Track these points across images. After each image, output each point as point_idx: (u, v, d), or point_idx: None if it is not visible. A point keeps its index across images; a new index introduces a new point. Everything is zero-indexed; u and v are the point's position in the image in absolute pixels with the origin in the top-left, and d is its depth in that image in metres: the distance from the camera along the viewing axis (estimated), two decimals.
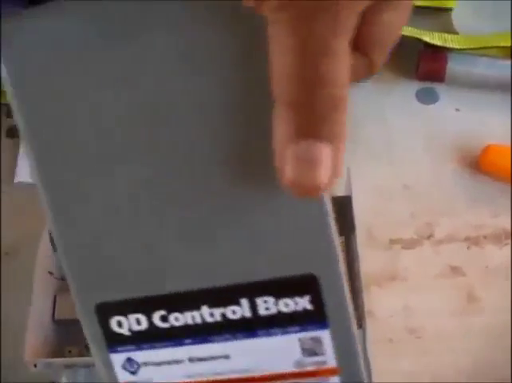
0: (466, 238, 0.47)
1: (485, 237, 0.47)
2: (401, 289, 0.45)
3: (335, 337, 0.23)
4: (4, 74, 0.22)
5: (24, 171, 0.51)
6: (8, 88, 0.22)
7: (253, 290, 0.23)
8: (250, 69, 0.21)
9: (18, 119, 0.22)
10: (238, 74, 0.21)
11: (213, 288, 0.23)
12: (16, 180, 0.51)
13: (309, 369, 0.24)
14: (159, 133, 0.22)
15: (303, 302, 0.23)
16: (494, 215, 0.47)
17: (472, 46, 0.52)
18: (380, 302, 0.44)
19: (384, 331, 0.44)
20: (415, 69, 0.53)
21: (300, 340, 0.24)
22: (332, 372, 0.24)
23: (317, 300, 0.23)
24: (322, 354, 0.24)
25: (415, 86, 0.53)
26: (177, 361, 0.25)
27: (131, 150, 0.22)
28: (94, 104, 0.22)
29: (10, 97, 0.22)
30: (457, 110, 0.52)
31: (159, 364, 0.25)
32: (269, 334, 0.24)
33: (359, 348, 0.24)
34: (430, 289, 0.45)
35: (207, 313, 0.24)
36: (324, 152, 0.18)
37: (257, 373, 0.25)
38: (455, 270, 0.46)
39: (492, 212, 0.47)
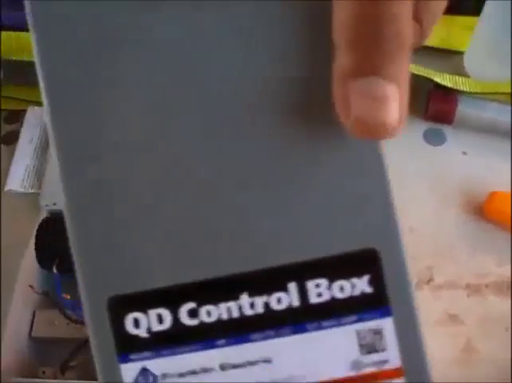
0: (467, 286, 0.45)
1: (486, 286, 0.45)
2: None
3: (398, 328, 0.19)
4: (30, 21, 0.19)
5: (15, 180, 0.49)
6: (33, 41, 0.19)
7: (303, 272, 0.19)
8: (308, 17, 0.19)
9: (39, 71, 0.20)
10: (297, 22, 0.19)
11: (255, 272, 0.19)
12: (6, 188, 0.49)
13: (368, 370, 0.20)
14: (209, 88, 0.19)
15: (361, 284, 0.19)
16: (497, 263, 0.46)
17: (482, 91, 0.51)
18: None
19: None
20: (423, 109, 0.52)
21: (358, 333, 0.20)
22: (395, 373, 0.20)
23: (377, 280, 0.19)
24: (383, 350, 0.20)
25: (422, 126, 0.52)
26: (205, 370, 0.20)
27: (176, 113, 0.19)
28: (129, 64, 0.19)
29: (34, 51, 0.20)
30: (464, 153, 0.51)
31: (182, 375, 0.20)
32: (321, 328, 0.19)
33: (425, 346, 0.20)
34: (427, 335, 0.43)
35: (247, 304, 0.19)
36: (391, 89, 0.17)
37: (303, 381, 0.20)
38: (454, 318, 0.44)
39: (495, 261, 0.46)
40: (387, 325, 0.20)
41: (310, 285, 0.19)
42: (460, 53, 0.55)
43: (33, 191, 0.49)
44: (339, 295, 0.19)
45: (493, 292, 0.45)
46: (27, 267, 0.43)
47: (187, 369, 0.20)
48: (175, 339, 0.20)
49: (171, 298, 0.20)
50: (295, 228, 0.19)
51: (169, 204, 0.20)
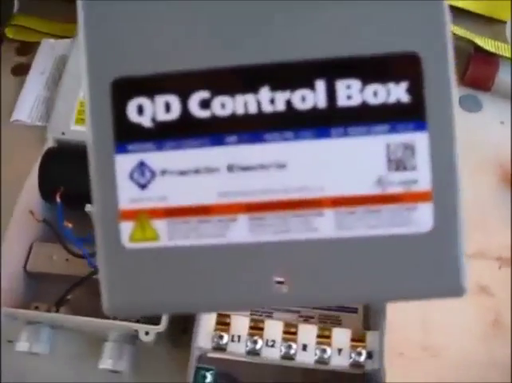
0: (499, 258, 0.42)
1: None
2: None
3: (433, 146, 0.17)
4: None
5: (23, 110, 0.46)
6: None
7: (334, 69, 0.17)
8: None
9: None
10: None
11: (280, 63, 0.17)
12: (13, 118, 0.46)
13: (394, 190, 0.18)
14: None
15: (398, 91, 0.17)
16: None
17: None
18: (395, 310, 0.39)
19: (396, 343, 0.38)
20: (460, 73, 0.49)
21: (387, 146, 0.17)
22: (423, 196, 0.18)
23: (416, 89, 0.17)
24: (413, 169, 0.18)
25: (459, 91, 0.49)
26: (210, 170, 0.18)
27: None
28: None
29: None
30: (502, 123, 0.48)
31: (183, 173, 0.18)
32: (347, 134, 0.17)
33: (459, 170, 0.18)
34: (453, 304, 0.39)
35: (267, 99, 0.17)
36: None
37: (320, 194, 0.18)
38: (483, 290, 0.41)
39: None
40: (421, 140, 0.18)
41: (340, 85, 0.17)
42: (502, 22, 0.52)
43: (40, 123, 0.46)
44: (371, 100, 0.18)
45: None
46: (28, 198, 0.39)
47: (189, 166, 0.18)
48: (182, 131, 0.17)
49: (182, 84, 0.17)
50: (330, 20, 0.17)
51: None
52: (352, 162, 0.18)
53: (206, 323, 0.34)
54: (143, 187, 0.18)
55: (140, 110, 0.18)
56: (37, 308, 0.37)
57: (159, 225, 0.18)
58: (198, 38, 0.17)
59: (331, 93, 0.17)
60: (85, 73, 0.18)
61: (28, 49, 0.50)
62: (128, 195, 0.18)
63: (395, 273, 0.18)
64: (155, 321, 0.34)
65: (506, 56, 0.48)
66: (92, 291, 0.37)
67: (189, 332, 0.34)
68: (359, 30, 0.17)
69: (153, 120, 0.18)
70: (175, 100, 0.18)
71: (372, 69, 0.17)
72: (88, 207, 0.38)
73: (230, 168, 0.18)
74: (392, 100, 0.18)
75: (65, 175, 0.39)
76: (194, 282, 0.18)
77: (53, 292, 0.37)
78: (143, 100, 0.18)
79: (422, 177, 0.18)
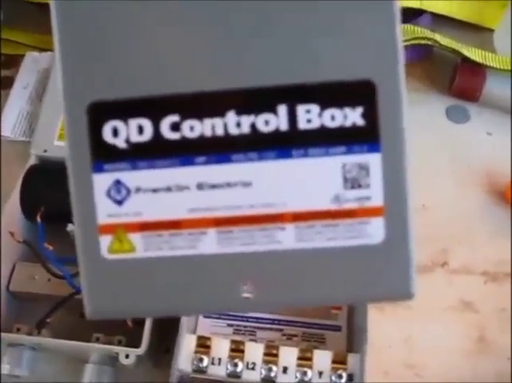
0: (484, 273, 0.42)
1: (505, 275, 0.42)
2: (405, 318, 0.40)
3: (385, 166, 0.19)
4: None
5: (6, 126, 0.46)
6: None
7: (295, 95, 0.19)
8: None
9: None
10: None
11: (245, 89, 0.18)
12: None
13: (350, 206, 0.19)
14: None
15: (353, 116, 0.19)
16: None
17: None
18: (379, 328, 0.39)
19: (380, 362, 0.38)
20: (448, 83, 0.49)
21: (343, 166, 0.19)
22: (375, 211, 0.19)
23: (370, 114, 0.19)
24: (367, 187, 0.19)
25: (446, 102, 0.48)
26: (181, 188, 0.19)
27: None
28: None
29: None
30: (489, 134, 0.47)
31: (156, 190, 0.19)
32: (307, 155, 0.19)
33: (409, 187, 0.19)
34: (437, 322, 0.40)
35: (233, 123, 0.19)
36: None
37: (282, 209, 0.19)
38: (468, 306, 0.40)
39: None
40: (374, 160, 0.19)
41: (301, 109, 0.19)
42: (490, 30, 0.52)
43: (23, 138, 0.46)
44: (329, 124, 0.19)
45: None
46: (9, 216, 0.39)
47: (162, 184, 0.19)
48: (154, 152, 0.19)
49: (154, 108, 0.19)
50: (291, 49, 0.18)
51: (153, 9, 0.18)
52: (311, 180, 0.19)
53: (187, 345, 0.33)
54: (119, 203, 0.20)
55: (115, 132, 0.19)
56: (19, 330, 0.36)
57: (135, 238, 0.20)
58: (168, 65, 0.19)
59: (292, 117, 0.19)
60: (62, 96, 0.19)
61: (13, 63, 0.50)
62: (105, 211, 0.20)
63: (350, 279, 0.20)
64: (135, 343, 0.34)
65: (493, 66, 0.47)
66: (73, 312, 0.37)
67: (171, 351, 0.34)
68: (317, 58, 0.18)
69: (127, 141, 0.19)
70: (147, 123, 0.19)
71: (329, 95, 0.19)
72: (69, 227, 0.38)
73: (200, 186, 0.19)
74: (349, 123, 0.19)
75: (47, 194, 0.39)
76: (167, 289, 0.20)
77: (35, 312, 0.37)
78: (118, 123, 0.19)
79: (375, 194, 0.19)
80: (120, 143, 0.19)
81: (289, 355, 0.33)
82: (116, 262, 0.20)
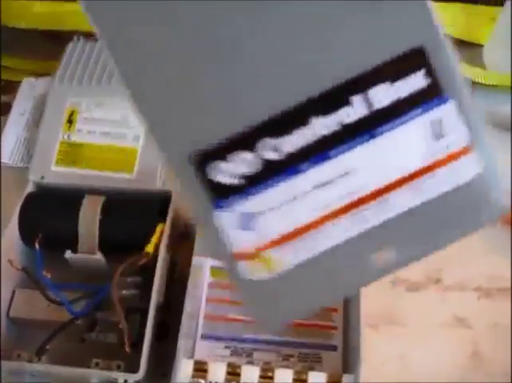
0: (477, 289, 0.42)
1: (498, 290, 0.42)
2: (399, 335, 0.40)
3: (457, 110, 0.22)
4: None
5: (4, 152, 0.47)
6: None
7: (363, 84, 0.21)
8: None
9: None
10: None
11: (318, 94, 0.21)
12: None
13: (441, 156, 0.22)
14: None
15: (417, 80, 0.21)
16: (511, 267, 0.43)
17: (500, 83, 0.49)
18: (373, 346, 0.39)
19: (375, 380, 0.39)
20: None
21: (424, 123, 0.21)
22: (464, 151, 0.22)
23: (430, 73, 0.21)
24: (450, 133, 0.22)
25: None
26: (296, 197, 0.22)
27: None
28: None
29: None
30: None
31: (276, 207, 0.22)
32: (392, 127, 0.21)
33: (481, 120, 0.22)
34: (431, 338, 0.40)
35: (320, 125, 0.21)
36: None
37: (390, 179, 0.22)
38: (461, 322, 0.41)
39: (509, 264, 0.43)
40: (447, 109, 0.21)
41: (372, 93, 0.21)
42: (480, 46, 0.53)
43: (21, 165, 0.46)
44: (400, 94, 0.21)
45: (504, 297, 0.42)
46: (8, 242, 0.40)
47: (279, 200, 0.21)
48: (262, 175, 0.21)
49: (247, 139, 0.20)
50: (348, 43, 0.20)
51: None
52: (403, 147, 0.22)
53: (184, 370, 0.34)
54: (250, 229, 0.22)
55: (221, 171, 0.21)
56: (19, 356, 0.37)
57: (272, 254, 0.22)
58: (245, 96, 0.21)
59: (367, 102, 0.21)
60: (160, 152, 0.21)
61: (11, 89, 0.51)
62: (241, 239, 0.22)
63: (463, 214, 0.24)
64: (134, 368, 0.35)
65: (480, 82, 0.48)
66: (71, 337, 0.38)
67: (168, 376, 0.35)
68: (373, 43, 0.21)
69: (234, 175, 0.21)
70: (246, 154, 0.21)
71: (392, 71, 0.21)
72: (67, 254, 0.39)
73: (312, 189, 0.22)
74: (415, 88, 0.21)
75: (45, 221, 0.40)
76: (317, 285, 0.23)
77: (35, 338, 0.38)
78: (220, 163, 0.21)
79: (458, 137, 0.22)
80: (230, 179, 0.21)
81: (284, 377, 0.34)
82: (262, 280, 0.22)
